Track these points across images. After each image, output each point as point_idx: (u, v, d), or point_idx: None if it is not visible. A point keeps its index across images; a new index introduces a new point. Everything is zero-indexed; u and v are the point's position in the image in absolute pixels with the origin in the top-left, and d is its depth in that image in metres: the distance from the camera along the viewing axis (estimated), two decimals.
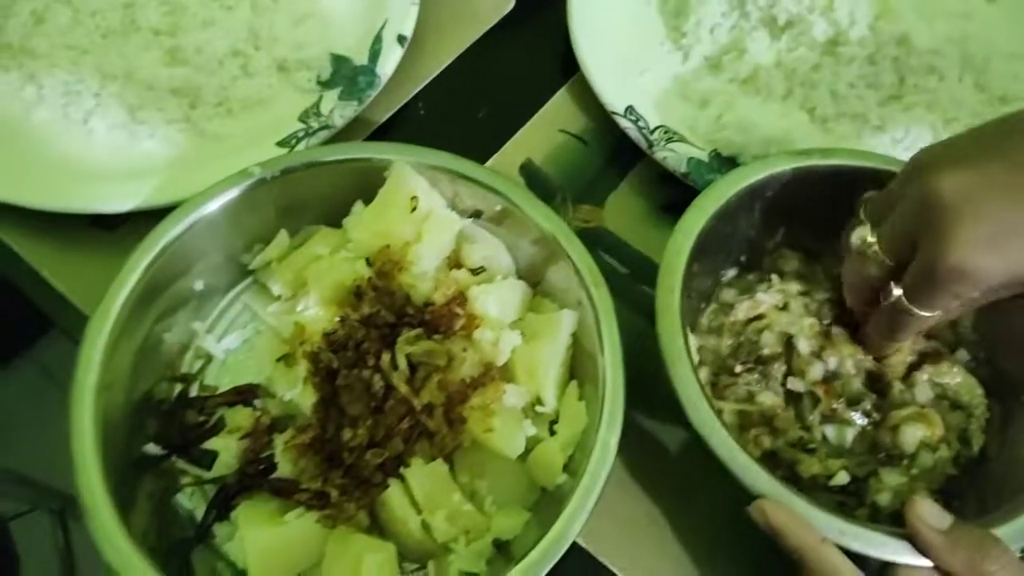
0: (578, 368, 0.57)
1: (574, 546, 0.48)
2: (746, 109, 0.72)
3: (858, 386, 0.55)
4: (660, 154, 0.69)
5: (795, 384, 0.55)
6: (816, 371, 0.55)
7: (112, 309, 0.52)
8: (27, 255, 0.66)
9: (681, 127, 0.72)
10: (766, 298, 0.58)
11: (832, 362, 0.55)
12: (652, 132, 0.70)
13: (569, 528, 0.47)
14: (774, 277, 0.60)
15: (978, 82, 0.74)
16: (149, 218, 0.57)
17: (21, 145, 0.68)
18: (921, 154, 0.48)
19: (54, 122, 0.70)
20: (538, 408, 0.55)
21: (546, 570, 0.46)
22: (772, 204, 0.59)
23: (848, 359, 0.55)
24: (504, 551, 0.52)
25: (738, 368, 0.56)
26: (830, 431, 0.54)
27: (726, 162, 0.70)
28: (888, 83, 0.73)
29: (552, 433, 0.54)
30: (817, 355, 0.55)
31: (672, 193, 0.71)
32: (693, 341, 0.57)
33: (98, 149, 0.69)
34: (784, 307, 0.58)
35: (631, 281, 0.68)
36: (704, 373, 0.57)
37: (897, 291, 0.48)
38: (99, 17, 0.72)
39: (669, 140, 0.70)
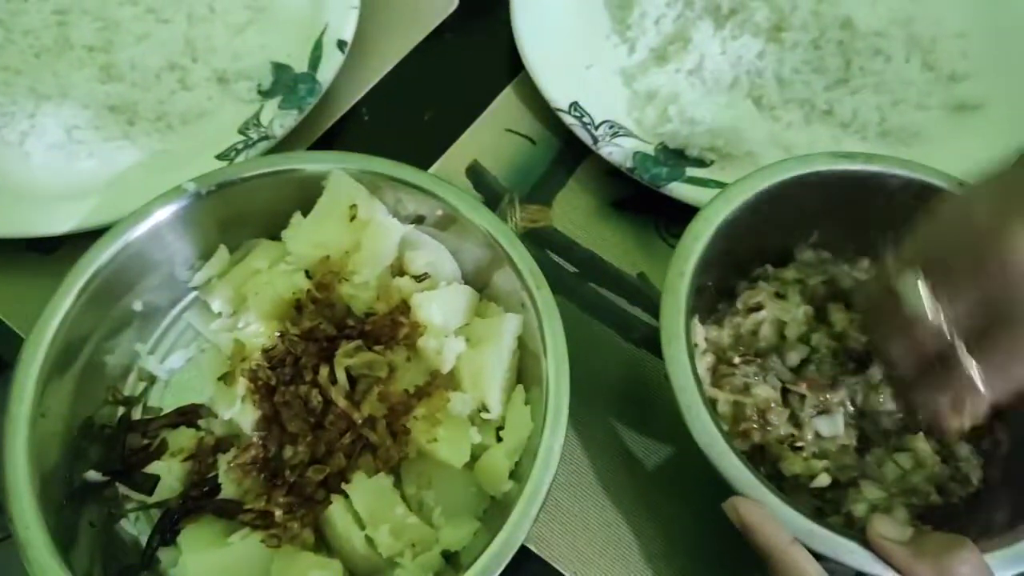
0: (524, 371, 0.56)
1: (527, 552, 0.47)
2: (692, 100, 0.71)
3: (832, 363, 0.54)
4: (605, 149, 0.68)
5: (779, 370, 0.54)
6: (795, 357, 0.54)
7: (45, 336, 0.51)
8: None
9: (627, 121, 0.72)
10: (765, 286, 0.57)
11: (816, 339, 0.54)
12: (597, 128, 0.70)
13: (514, 535, 0.46)
14: (769, 267, 0.58)
15: (926, 61, 0.74)
16: (90, 239, 0.56)
17: None
18: (985, 217, 0.41)
19: None
20: (484, 415, 0.54)
21: None
22: (805, 204, 0.56)
23: (826, 338, 0.54)
24: (454, 562, 0.51)
25: (736, 359, 0.55)
26: (823, 425, 0.52)
27: (672, 155, 0.69)
28: (834, 67, 0.72)
29: (499, 440, 0.54)
30: (805, 340, 0.54)
31: (621, 189, 0.70)
32: (700, 330, 0.55)
33: (35, 171, 0.68)
34: (782, 296, 0.57)
35: (580, 280, 0.67)
36: (708, 361, 0.55)
37: (973, 373, 0.42)
38: (32, 36, 0.71)
39: (615, 135, 0.69)
